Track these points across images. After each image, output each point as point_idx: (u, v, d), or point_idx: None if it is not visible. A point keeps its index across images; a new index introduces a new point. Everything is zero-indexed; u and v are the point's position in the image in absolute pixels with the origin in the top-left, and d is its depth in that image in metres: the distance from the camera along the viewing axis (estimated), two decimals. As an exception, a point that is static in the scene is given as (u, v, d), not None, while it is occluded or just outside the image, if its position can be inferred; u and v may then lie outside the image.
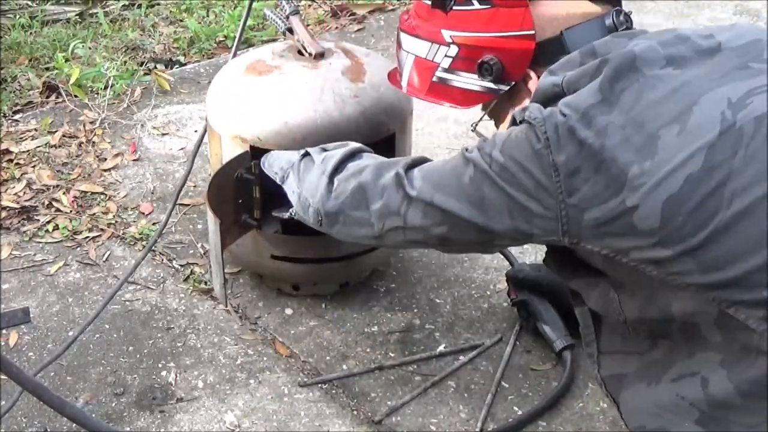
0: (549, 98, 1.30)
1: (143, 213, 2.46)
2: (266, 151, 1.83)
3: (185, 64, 3.37)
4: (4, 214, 2.42)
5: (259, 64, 1.95)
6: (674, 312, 1.24)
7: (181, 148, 2.76)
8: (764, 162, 1.15)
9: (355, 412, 1.82)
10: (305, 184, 1.60)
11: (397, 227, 1.45)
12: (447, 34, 1.46)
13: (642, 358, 1.36)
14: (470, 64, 1.45)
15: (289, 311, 2.10)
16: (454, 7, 1.44)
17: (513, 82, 1.43)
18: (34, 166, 2.63)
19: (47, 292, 2.16)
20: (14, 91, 3.06)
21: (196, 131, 2.78)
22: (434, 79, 1.50)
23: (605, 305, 1.37)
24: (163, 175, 2.64)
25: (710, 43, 1.29)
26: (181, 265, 2.25)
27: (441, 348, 1.98)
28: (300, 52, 1.97)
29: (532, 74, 1.41)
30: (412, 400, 1.85)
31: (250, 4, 2.05)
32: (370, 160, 1.56)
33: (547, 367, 1.94)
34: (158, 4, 3.81)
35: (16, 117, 2.91)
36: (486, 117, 1.55)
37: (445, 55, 1.47)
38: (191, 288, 2.17)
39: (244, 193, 1.85)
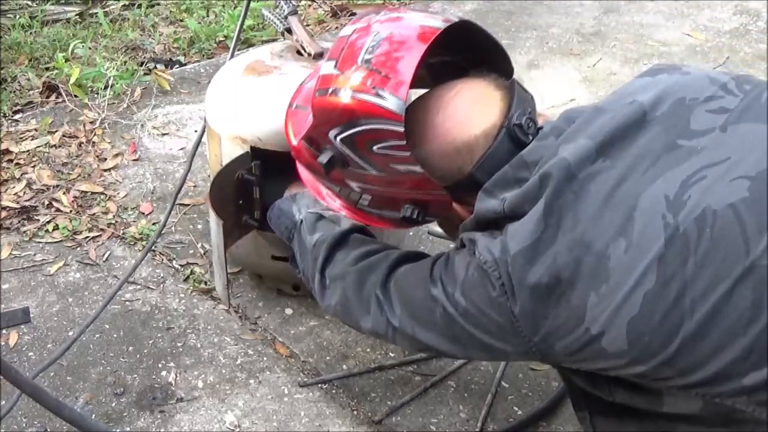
0: (491, 222, 1.27)
1: (143, 213, 2.46)
2: (267, 151, 1.83)
3: (185, 64, 3.37)
4: (4, 214, 2.42)
5: (258, 64, 1.95)
6: (664, 407, 1.24)
7: (181, 148, 2.76)
8: (715, 265, 1.12)
9: (355, 412, 1.82)
10: (304, 265, 1.61)
11: (390, 342, 1.46)
12: (354, 185, 1.40)
13: (638, 421, 1.32)
14: (391, 206, 1.40)
15: (289, 311, 2.10)
16: (349, 169, 1.37)
17: (441, 217, 1.41)
18: (34, 166, 2.63)
19: (47, 292, 2.16)
20: (14, 91, 3.06)
21: (196, 131, 2.78)
22: (358, 206, 1.46)
23: (593, 385, 1.33)
24: (163, 175, 2.64)
25: (634, 112, 1.23)
26: (181, 265, 2.25)
27: (441, 348, 1.98)
28: (299, 52, 1.97)
29: (459, 208, 1.36)
30: (412, 400, 1.85)
31: (248, 5, 2.05)
32: (354, 251, 1.52)
33: (547, 367, 1.94)
34: (158, 4, 3.81)
35: (16, 117, 2.91)
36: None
37: (362, 198, 1.42)
38: (191, 288, 2.17)
39: (245, 193, 1.85)
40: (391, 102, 1.27)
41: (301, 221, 1.64)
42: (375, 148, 1.31)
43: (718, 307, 1.12)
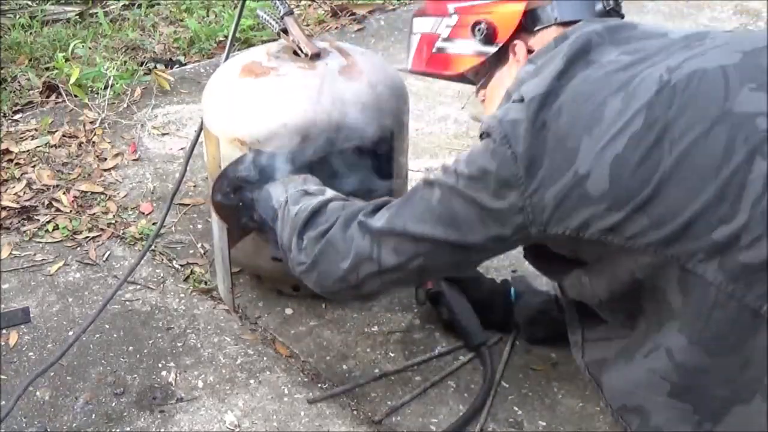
0: (515, 87, 1.42)
1: (143, 213, 2.46)
2: (265, 153, 1.83)
3: (185, 64, 3.37)
4: (4, 214, 2.42)
5: (254, 65, 1.94)
6: (639, 277, 1.31)
7: (181, 148, 2.76)
8: (696, 109, 1.24)
9: (355, 412, 1.82)
10: (284, 238, 1.66)
11: (372, 273, 1.50)
12: (451, 7, 1.59)
13: (622, 342, 1.44)
14: (466, 30, 1.56)
15: (289, 311, 2.10)
16: None
17: (500, 44, 1.52)
18: (34, 166, 2.63)
19: (47, 292, 2.16)
20: (14, 91, 3.07)
21: (196, 131, 2.78)
22: (434, 50, 1.62)
23: (580, 290, 1.46)
24: (163, 175, 2.64)
25: (661, 37, 1.42)
26: (181, 265, 2.25)
27: (441, 348, 1.98)
28: (295, 53, 1.96)
29: (519, 42, 1.51)
30: (412, 400, 1.85)
31: (242, 6, 2.04)
32: (337, 212, 1.59)
33: (547, 367, 1.94)
34: (158, 4, 3.81)
35: (16, 117, 2.92)
36: (475, 97, 1.65)
37: (446, 26, 1.59)
38: (191, 288, 2.17)
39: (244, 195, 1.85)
40: None
41: (287, 199, 1.70)
42: None
43: (693, 146, 1.23)
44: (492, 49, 1.53)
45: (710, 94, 1.25)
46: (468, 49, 1.56)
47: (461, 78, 1.65)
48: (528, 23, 1.50)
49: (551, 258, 1.46)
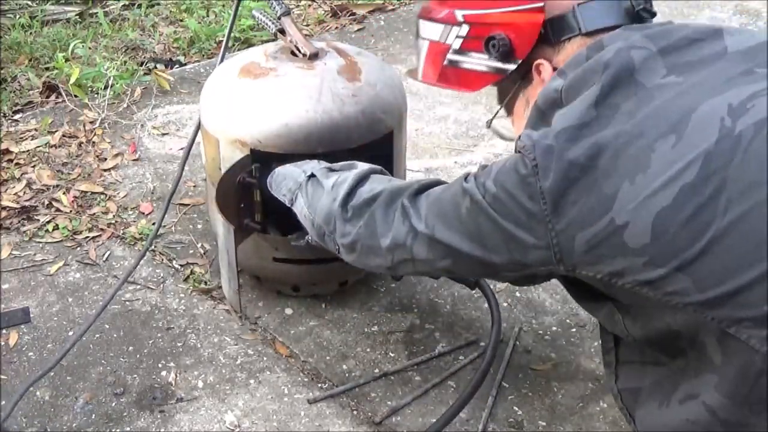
0: (548, 105, 1.30)
1: (143, 213, 2.46)
2: (267, 154, 1.83)
3: (185, 64, 3.37)
4: (4, 214, 2.42)
5: (253, 66, 1.94)
6: (677, 328, 1.20)
7: (181, 148, 2.76)
8: (763, 167, 1.08)
9: (355, 413, 1.82)
10: (318, 211, 1.59)
11: (406, 259, 1.44)
12: (459, 14, 1.43)
13: (657, 369, 1.32)
14: (479, 43, 1.41)
15: (289, 311, 2.10)
16: None
17: (520, 61, 1.38)
18: (34, 166, 2.63)
19: (47, 292, 2.16)
20: (14, 91, 3.07)
21: (193, 131, 2.78)
22: (445, 62, 1.47)
23: (611, 325, 1.35)
24: (163, 175, 2.64)
25: (717, 47, 1.25)
26: (181, 265, 2.25)
27: (441, 348, 1.98)
28: (293, 53, 1.96)
29: (544, 62, 1.36)
30: (413, 400, 1.85)
31: (237, 7, 2.03)
32: (381, 184, 1.53)
33: (547, 367, 1.94)
34: (158, 4, 3.81)
35: (16, 117, 2.92)
36: (501, 113, 1.51)
37: (457, 36, 1.44)
38: (191, 288, 2.17)
39: (246, 196, 1.85)
40: None
41: (312, 175, 1.64)
42: None
43: (753, 211, 1.08)
44: (511, 66, 1.39)
45: None
46: (484, 66, 1.41)
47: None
48: (549, 35, 1.35)
49: (583, 289, 1.34)
